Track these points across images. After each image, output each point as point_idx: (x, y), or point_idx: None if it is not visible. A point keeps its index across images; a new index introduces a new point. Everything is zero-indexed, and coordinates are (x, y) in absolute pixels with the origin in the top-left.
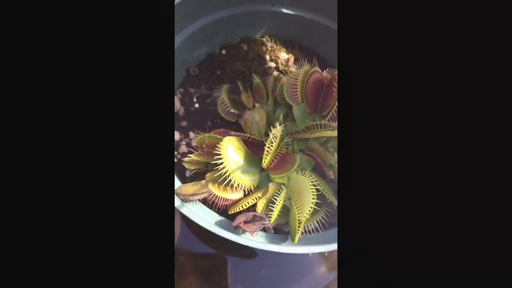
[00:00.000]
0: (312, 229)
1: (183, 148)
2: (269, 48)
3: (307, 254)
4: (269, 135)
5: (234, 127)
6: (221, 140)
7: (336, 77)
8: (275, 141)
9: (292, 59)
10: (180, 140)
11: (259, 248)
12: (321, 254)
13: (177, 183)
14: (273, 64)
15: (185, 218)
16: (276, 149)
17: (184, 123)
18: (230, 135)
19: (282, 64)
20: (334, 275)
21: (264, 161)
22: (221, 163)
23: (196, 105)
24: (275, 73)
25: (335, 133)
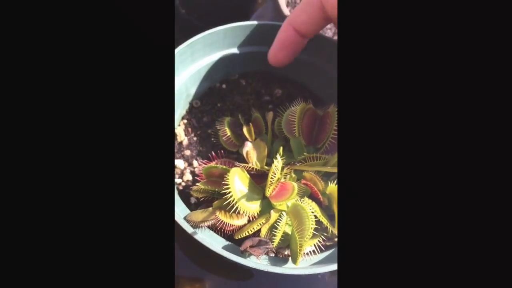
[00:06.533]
0: (310, 252)
1: (188, 176)
2: (265, 84)
3: (300, 276)
4: (269, 166)
5: (234, 156)
6: (227, 170)
7: (329, 114)
8: (277, 172)
9: (285, 94)
10: (185, 168)
11: (266, 270)
12: (314, 276)
13: (184, 209)
14: (268, 98)
15: (181, 244)
16: (278, 179)
17: (188, 152)
18: (235, 165)
19: (276, 99)
20: None
21: (268, 190)
22: (229, 192)
23: (199, 136)
24: (269, 107)
25: (333, 169)
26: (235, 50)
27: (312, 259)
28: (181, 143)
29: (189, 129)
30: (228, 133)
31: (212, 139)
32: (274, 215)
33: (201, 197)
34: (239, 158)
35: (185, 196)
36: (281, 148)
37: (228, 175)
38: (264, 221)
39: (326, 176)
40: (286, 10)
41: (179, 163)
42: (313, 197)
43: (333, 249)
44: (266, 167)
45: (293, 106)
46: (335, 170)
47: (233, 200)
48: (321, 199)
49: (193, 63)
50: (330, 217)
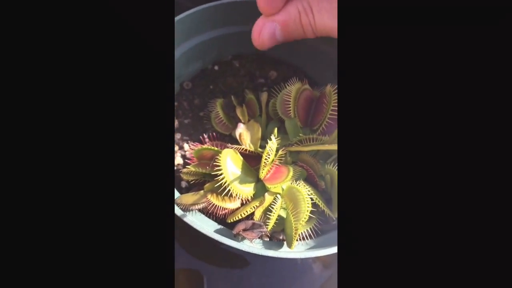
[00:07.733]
0: (306, 236)
1: (178, 160)
2: (259, 66)
3: (296, 262)
4: (263, 148)
5: (227, 139)
6: (219, 152)
7: (326, 94)
8: (271, 153)
9: (280, 77)
10: (176, 152)
11: (260, 254)
12: (310, 262)
13: (175, 193)
14: (262, 81)
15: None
16: (272, 161)
17: (178, 136)
18: (227, 147)
19: (271, 81)
20: (321, 282)
21: (262, 172)
22: (221, 174)
23: (190, 118)
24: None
25: (332, 147)
26: (228, 30)
27: (308, 244)
28: None
29: (180, 112)
30: (221, 115)
31: (204, 121)
32: (268, 198)
33: (191, 180)
34: (232, 141)
35: (177, 180)
36: (276, 129)
37: (220, 157)
38: (258, 204)
39: (323, 159)
40: None
41: None
42: (309, 180)
43: (329, 233)
44: (260, 150)
45: (288, 86)
46: (333, 147)
47: (225, 183)
48: (318, 182)
49: (182, 42)
50: (327, 201)
